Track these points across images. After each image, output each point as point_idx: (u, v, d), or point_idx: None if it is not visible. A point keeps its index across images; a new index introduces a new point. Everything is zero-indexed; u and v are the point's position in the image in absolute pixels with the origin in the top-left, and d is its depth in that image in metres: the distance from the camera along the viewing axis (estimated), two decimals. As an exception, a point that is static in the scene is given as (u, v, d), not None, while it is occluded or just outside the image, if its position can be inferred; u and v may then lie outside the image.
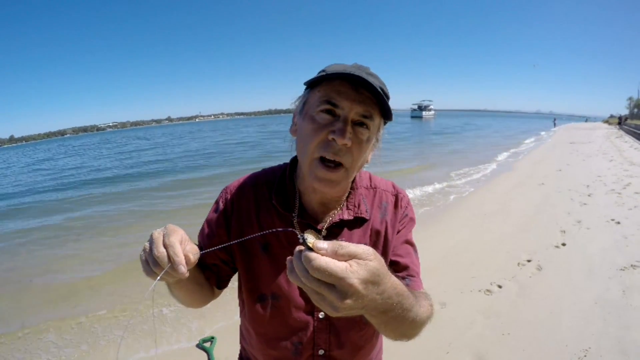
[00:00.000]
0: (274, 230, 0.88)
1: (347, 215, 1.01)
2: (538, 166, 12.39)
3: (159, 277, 0.70)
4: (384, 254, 1.04)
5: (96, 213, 9.28)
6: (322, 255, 0.56)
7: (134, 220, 8.25)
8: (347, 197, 1.03)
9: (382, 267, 0.62)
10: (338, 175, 0.88)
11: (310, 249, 0.56)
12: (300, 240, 0.58)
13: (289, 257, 0.60)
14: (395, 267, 1.03)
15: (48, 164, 27.74)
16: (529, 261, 4.48)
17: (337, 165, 0.88)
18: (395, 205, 1.09)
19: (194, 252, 0.75)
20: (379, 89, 0.84)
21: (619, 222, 5.71)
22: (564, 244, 4.96)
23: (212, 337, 3.29)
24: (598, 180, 9.09)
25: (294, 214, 0.99)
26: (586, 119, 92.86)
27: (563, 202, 7.23)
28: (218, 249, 0.89)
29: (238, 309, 1.14)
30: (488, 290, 3.82)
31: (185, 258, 0.71)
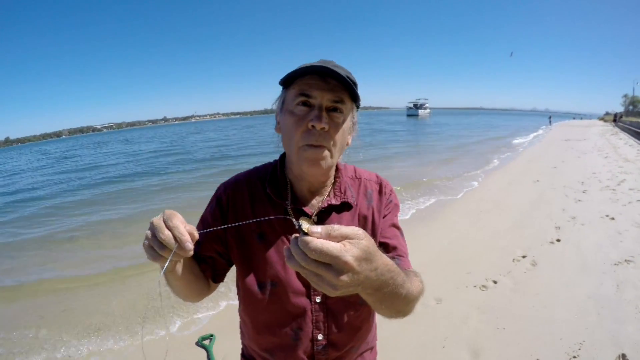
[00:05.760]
0: (272, 217, 0.97)
1: (334, 201, 1.08)
2: (533, 163, 12.47)
3: (170, 258, 0.74)
4: (373, 237, 1.08)
5: None
6: (317, 238, 0.60)
7: None
8: (334, 185, 1.12)
9: (373, 246, 0.66)
10: (323, 152, 0.97)
11: (306, 234, 0.60)
12: (296, 227, 0.62)
13: (286, 246, 0.64)
14: (385, 249, 1.09)
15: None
16: (523, 257, 4.53)
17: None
18: (380, 192, 1.17)
19: (194, 231, 0.78)
20: (345, 77, 0.92)
21: (613, 218, 5.77)
22: (558, 240, 5.01)
23: (211, 335, 3.34)
24: (593, 177, 9.17)
25: (286, 202, 1.06)
26: (573, 117, 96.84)
27: (558, 199, 7.30)
28: (218, 229, 0.97)
29: (237, 308, 1.18)
30: (483, 286, 3.86)
31: (189, 235, 0.75)
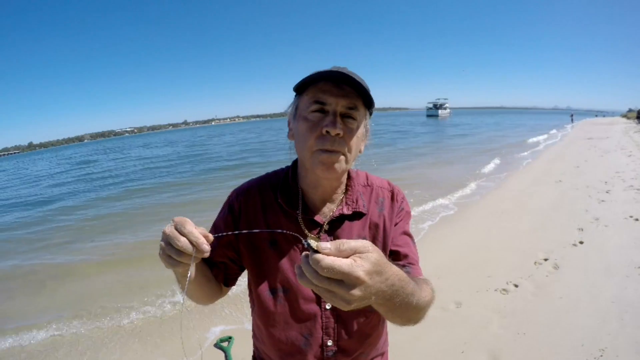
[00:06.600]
0: (283, 232, 0.98)
1: (346, 210, 1.09)
2: (555, 163, 12.25)
3: (192, 262, 0.77)
4: (384, 244, 1.11)
5: None
6: (327, 254, 0.60)
7: None
8: (346, 194, 1.12)
9: (382, 258, 0.66)
10: (339, 157, 0.97)
11: (315, 252, 0.60)
12: (305, 246, 0.62)
13: (297, 264, 0.65)
14: (396, 256, 1.11)
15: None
16: (545, 260, 4.45)
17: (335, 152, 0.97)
18: (392, 200, 1.17)
19: (207, 233, 0.80)
20: (359, 82, 0.93)
21: (637, 219, 5.62)
22: (581, 242, 4.91)
23: (230, 337, 3.34)
24: (616, 177, 8.94)
25: (297, 211, 1.07)
26: (596, 114, 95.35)
27: (581, 199, 7.14)
28: (231, 234, 1.02)
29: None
30: (504, 290, 3.81)
31: (204, 237, 0.77)
